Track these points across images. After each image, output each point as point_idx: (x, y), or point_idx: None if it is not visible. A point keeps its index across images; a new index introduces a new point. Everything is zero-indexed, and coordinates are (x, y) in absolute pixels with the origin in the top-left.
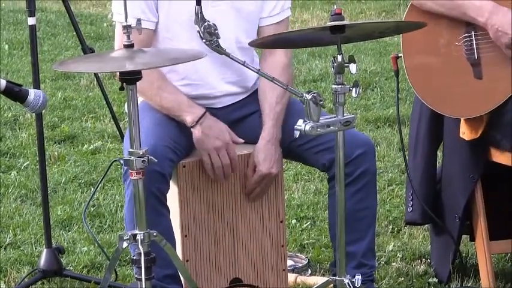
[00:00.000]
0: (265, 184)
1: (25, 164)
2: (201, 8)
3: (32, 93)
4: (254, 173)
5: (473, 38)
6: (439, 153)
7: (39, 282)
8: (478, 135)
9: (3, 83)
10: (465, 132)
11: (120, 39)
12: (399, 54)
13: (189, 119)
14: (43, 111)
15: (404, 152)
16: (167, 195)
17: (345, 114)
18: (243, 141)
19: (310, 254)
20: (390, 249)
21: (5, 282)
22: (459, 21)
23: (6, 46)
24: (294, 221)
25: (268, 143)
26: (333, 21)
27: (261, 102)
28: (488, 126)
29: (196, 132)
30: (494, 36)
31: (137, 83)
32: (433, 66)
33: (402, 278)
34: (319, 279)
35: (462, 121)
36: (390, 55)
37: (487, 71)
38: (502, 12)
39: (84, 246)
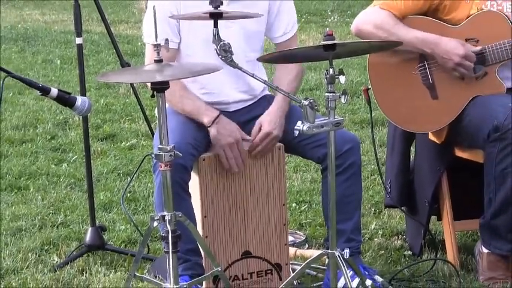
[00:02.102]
0: (267, 144)
1: (74, 158)
2: (217, 30)
3: (79, 99)
4: (259, 133)
5: (427, 66)
6: (412, 149)
7: (85, 255)
8: (443, 139)
9: (56, 91)
10: (433, 138)
11: (149, 57)
12: (369, 87)
13: (206, 120)
14: (88, 115)
15: (376, 153)
16: (190, 183)
17: (335, 117)
18: (252, 138)
19: (307, 232)
20: (373, 228)
21: (57, 254)
22: (414, 55)
23: (59, 61)
24: (294, 204)
25: (276, 110)
26: (326, 41)
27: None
28: (450, 132)
29: (213, 131)
30: (441, 62)
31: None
32: (397, 94)
33: (382, 251)
34: (315, 252)
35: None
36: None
37: (441, 92)
38: (443, 42)
39: (122, 225)
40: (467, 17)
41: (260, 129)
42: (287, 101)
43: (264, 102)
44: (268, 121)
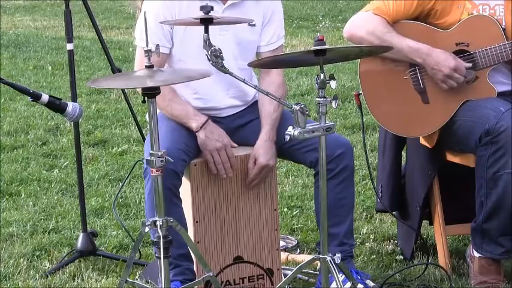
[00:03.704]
0: (263, 175)
1: (65, 164)
2: (208, 36)
3: (70, 105)
4: (254, 165)
5: (417, 70)
6: (403, 153)
7: (77, 261)
8: (434, 143)
9: (46, 97)
10: (424, 142)
11: (139, 60)
12: (360, 92)
13: (194, 125)
14: (79, 120)
15: (367, 157)
16: (181, 189)
17: (326, 122)
18: (236, 145)
19: (299, 236)
20: (364, 232)
21: (48, 260)
22: (404, 61)
23: (50, 67)
24: (285, 209)
25: (266, 141)
26: (317, 46)
27: (260, 110)
28: (441, 136)
29: (201, 136)
30: (430, 73)
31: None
32: (388, 99)
33: (374, 256)
34: (306, 257)
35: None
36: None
37: (433, 96)
38: (435, 54)
39: (113, 231)
40: (458, 22)
41: (255, 162)
42: (274, 129)
43: (255, 108)
44: (262, 154)
